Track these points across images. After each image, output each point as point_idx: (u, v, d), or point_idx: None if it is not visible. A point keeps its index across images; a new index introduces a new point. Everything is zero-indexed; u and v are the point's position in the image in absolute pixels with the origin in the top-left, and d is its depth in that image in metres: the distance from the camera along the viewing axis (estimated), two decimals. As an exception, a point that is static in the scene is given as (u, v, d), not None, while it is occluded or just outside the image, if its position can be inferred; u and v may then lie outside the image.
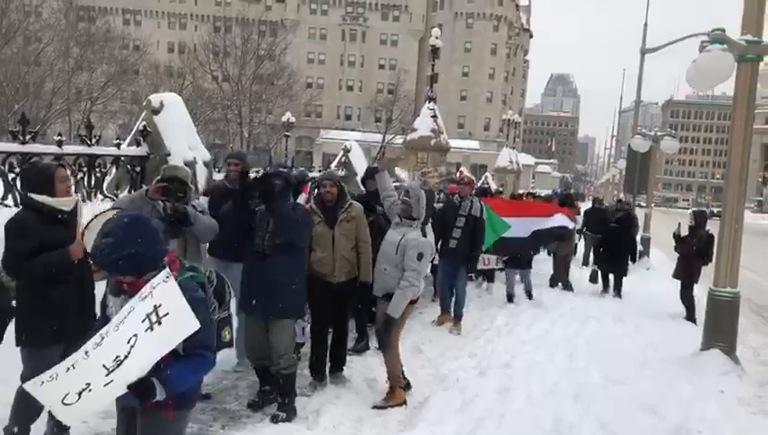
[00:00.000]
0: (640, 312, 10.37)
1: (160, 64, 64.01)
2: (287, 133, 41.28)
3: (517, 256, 10.32)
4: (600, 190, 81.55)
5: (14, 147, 5.92)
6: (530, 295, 10.65)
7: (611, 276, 11.98)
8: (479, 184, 28.45)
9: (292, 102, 57.35)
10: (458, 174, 20.43)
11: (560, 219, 10.29)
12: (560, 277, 12.35)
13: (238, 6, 72.58)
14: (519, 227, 9.44)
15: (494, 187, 29.12)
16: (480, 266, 9.76)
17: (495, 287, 10.81)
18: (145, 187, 5.30)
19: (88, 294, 4.02)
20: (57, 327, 3.83)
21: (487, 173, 34.83)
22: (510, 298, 10.31)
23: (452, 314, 8.44)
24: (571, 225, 10.78)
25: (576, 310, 10.17)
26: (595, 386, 6.07)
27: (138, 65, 59.74)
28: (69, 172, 4.07)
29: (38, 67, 49.91)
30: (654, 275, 14.98)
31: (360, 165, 13.30)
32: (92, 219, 4.22)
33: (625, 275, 11.98)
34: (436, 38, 19.61)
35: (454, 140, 34.66)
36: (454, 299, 8.51)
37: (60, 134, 6.78)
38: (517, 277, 10.71)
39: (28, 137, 6.00)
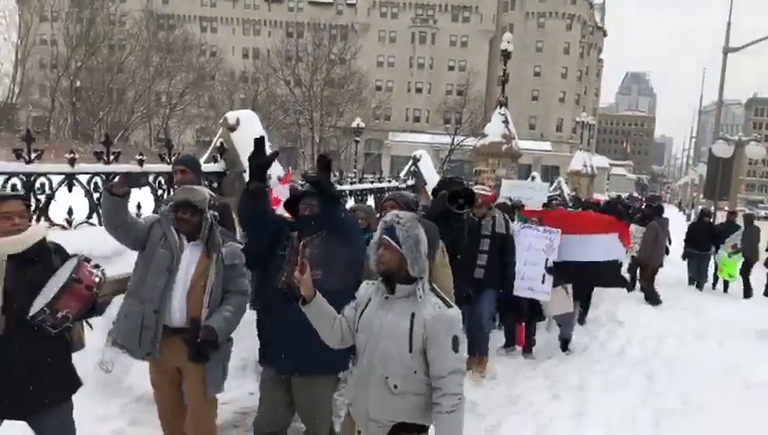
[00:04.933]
0: (724, 329, 9.88)
1: (235, 70, 65.84)
2: (357, 138, 41.65)
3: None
4: (679, 193, 78.58)
5: (100, 167, 6.17)
6: (565, 344, 8.09)
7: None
8: (551, 188, 27.91)
9: (361, 106, 57.88)
10: (479, 178, 18.19)
11: (611, 244, 8.00)
12: (646, 290, 11.93)
13: (310, 12, 73.84)
14: (572, 248, 7.62)
15: (566, 191, 28.51)
16: (524, 293, 7.40)
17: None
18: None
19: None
20: None
21: (560, 177, 34.09)
22: (565, 345, 8.08)
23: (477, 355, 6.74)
24: (620, 256, 8.57)
25: (654, 326, 9.81)
26: (675, 412, 5.85)
27: (214, 72, 61.55)
28: (22, 204, 3.18)
29: (121, 75, 52.14)
30: (741, 288, 14.21)
31: (430, 174, 13.24)
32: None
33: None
34: (508, 42, 19.34)
35: (525, 141, 34.12)
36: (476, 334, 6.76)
37: (141, 154, 7.01)
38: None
39: (111, 157, 6.24)
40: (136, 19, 58.23)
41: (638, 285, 12.60)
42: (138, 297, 3.87)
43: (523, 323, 7.78)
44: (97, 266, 3.23)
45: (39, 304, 3.02)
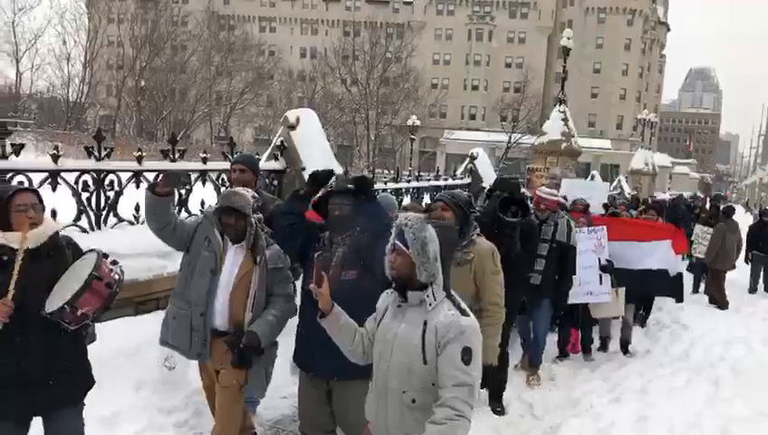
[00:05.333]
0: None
1: (293, 70, 66.70)
2: (413, 137, 41.67)
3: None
4: (746, 192, 75.75)
5: (166, 164, 6.35)
6: (625, 347, 7.93)
7: None
8: (611, 187, 27.30)
9: (417, 104, 57.87)
10: (532, 176, 17.92)
11: (664, 253, 7.66)
12: (714, 293, 11.52)
13: (367, 10, 74.20)
14: (627, 254, 7.43)
15: (627, 190, 27.85)
16: (584, 299, 7.18)
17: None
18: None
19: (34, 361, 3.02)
20: None
21: (620, 176, 33.31)
22: (626, 348, 7.91)
23: (528, 360, 6.69)
24: (675, 265, 7.98)
25: (719, 330, 9.49)
26: (744, 419, 5.65)
27: (272, 71, 62.53)
28: (34, 197, 3.11)
29: (183, 75, 53.49)
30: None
31: (487, 173, 13.14)
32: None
33: None
34: (568, 39, 19.03)
35: (584, 139, 33.48)
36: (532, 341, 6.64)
37: (205, 151, 7.18)
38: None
39: (177, 154, 6.42)
40: (198, 20, 59.67)
41: (701, 287, 12.21)
42: (184, 299, 3.88)
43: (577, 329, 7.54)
44: (115, 263, 3.15)
45: (58, 301, 2.95)
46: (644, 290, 7.89)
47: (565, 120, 18.66)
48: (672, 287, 8.06)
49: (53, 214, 5.00)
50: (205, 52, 54.06)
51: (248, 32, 65.86)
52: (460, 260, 4.08)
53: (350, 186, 3.67)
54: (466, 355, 2.64)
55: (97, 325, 3.54)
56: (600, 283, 7.10)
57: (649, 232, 7.85)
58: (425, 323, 2.73)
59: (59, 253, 3.13)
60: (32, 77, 55.08)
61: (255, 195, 4.00)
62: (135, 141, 30.43)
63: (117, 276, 3.08)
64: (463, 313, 2.76)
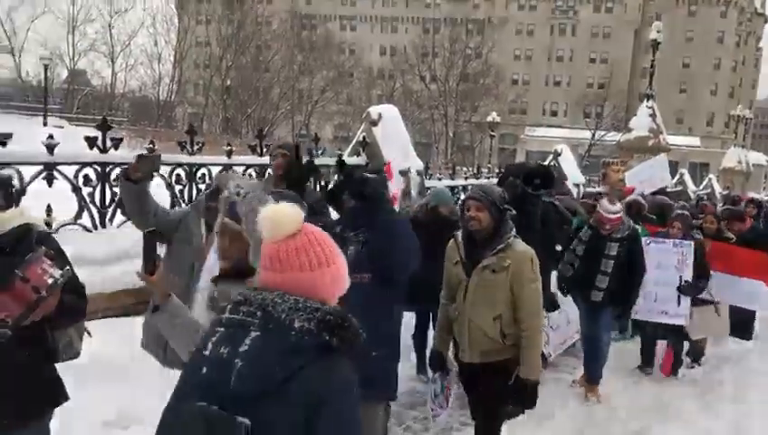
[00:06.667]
0: None
1: (373, 67, 67.20)
2: (492, 133, 41.23)
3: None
4: None
5: (255, 159, 6.55)
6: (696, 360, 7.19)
7: None
8: (701, 187, 26.13)
9: (497, 101, 57.28)
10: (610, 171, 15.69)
11: (756, 293, 6.74)
12: None
13: (447, 7, 73.84)
14: (718, 284, 6.60)
15: (718, 189, 26.59)
16: (658, 317, 6.44)
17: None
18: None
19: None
20: None
21: (711, 175, 31.87)
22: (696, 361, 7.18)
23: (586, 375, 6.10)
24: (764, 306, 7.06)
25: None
26: None
27: (353, 69, 63.26)
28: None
29: (267, 74, 54.86)
30: None
31: (571, 171, 12.86)
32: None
33: None
34: (658, 32, 18.37)
35: (671, 136, 32.22)
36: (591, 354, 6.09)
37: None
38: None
39: (264, 150, 6.59)
40: (281, 19, 61.06)
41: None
42: None
43: (668, 346, 6.76)
44: (61, 267, 2.57)
45: None
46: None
47: (653, 115, 18.05)
48: (745, 331, 7.27)
49: (48, 209, 4.82)
50: (287, 50, 55.29)
51: (329, 30, 66.86)
52: (496, 267, 3.64)
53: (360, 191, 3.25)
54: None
55: (108, 327, 3.25)
56: (679, 304, 6.32)
57: (751, 266, 6.79)
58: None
59: (24, 249, 2.59)
60: (125, 77, 57.88)
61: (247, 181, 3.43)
62: (221, 138, 31.46)
63: (50, 280, 2.50)
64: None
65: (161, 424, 1.72)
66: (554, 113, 77.00)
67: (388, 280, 3.20)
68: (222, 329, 1.72)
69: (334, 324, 1.66)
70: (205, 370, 1.67)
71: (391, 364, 3.35)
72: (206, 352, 1.70)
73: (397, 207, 5.67)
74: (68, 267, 2.61)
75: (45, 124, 29.44)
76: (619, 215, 5.76)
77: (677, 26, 71.04)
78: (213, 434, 1.59)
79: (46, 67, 39.16)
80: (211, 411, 1.61)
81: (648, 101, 18.24)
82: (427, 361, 4.10)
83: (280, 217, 1.75)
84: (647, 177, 9.42)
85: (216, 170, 6.06)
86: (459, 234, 3.84)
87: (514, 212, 3.85)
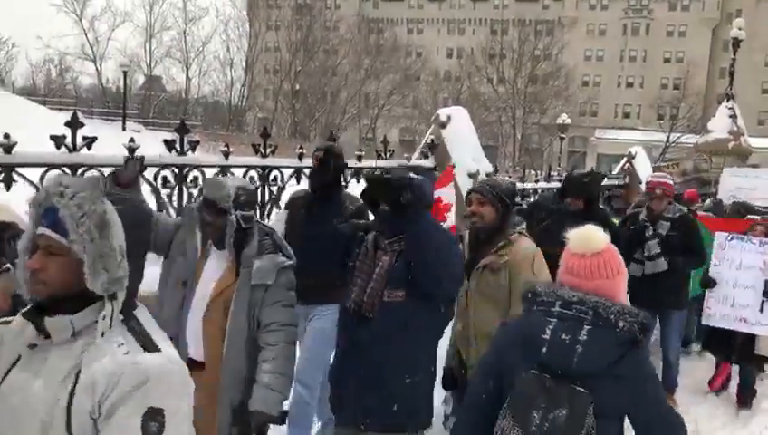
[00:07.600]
0: None
1: (439, 70, 67.09)
2: (562, 135, 40.47)
3: None
4: None
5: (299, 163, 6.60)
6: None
7: None
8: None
9: (567, 102, 56.23)
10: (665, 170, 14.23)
11: None
12: None
13: (515, 8, 72.99)
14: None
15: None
16: (736, 325, 5.80)
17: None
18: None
19: None
20: None
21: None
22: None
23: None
24: None
25: None
26: None
27: (419, 72, 63.31)
28: None
29: (335, 78, 55.55)
30: None
31: (646, 172, 12.49)
32: None
33: None
34: (740, 29, 17.64)
35: (752, 138, 30.87)
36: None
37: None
38: None
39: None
40: (349, 24, 61.71)
41: None
42: (158, 317, 2.98)
43: (733, 364, 6.17)
44: (7, 270, 2.38)
45: None
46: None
47: (733, 117, 17.35)
48: None
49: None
50: (355, 55, 55.83)
51: (397, 34, 67.11)
52: (495, 266, 3.29)
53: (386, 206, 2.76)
54: (154, 422, 1.52)
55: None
56: (762, 310, 5.66)
57: None
58: (77, 374, 1.55)
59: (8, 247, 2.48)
60: (199, 82, 59.76)
61: (245, 184, 3.22)
62: (290, 141, 32.08)
63: None
64: (147, 346, 1.62)
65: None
66: (626, 115, 74.91)
67: (427, 298, 2.78)
68: (555, 320, 2.27)
69: (647, 326, 2.28)
70: (545, 350, 2.24)
71: (431, 390, 3.03)
72: (545, 336, 2.25)
73: (452, 215, 5.51)
74: (11, 271, 2.28)
75: (124, 129, 30.72)
76: (669, 181, 5.72)
77: (760, 23, 67.88)
78: (551, 396, 2.16)
79: (125, 73, 40.87)
80: (557, 381, 2.19)
81: (727, 101, 17.55)
82: (440, 379, 3.52)
83: (592, 235, 2.35)
84: (751, 185, 8.97)
85: (287, 172, 6.16)
86: (466, 234, 3.59)
87: (524, 206, 3.55)
